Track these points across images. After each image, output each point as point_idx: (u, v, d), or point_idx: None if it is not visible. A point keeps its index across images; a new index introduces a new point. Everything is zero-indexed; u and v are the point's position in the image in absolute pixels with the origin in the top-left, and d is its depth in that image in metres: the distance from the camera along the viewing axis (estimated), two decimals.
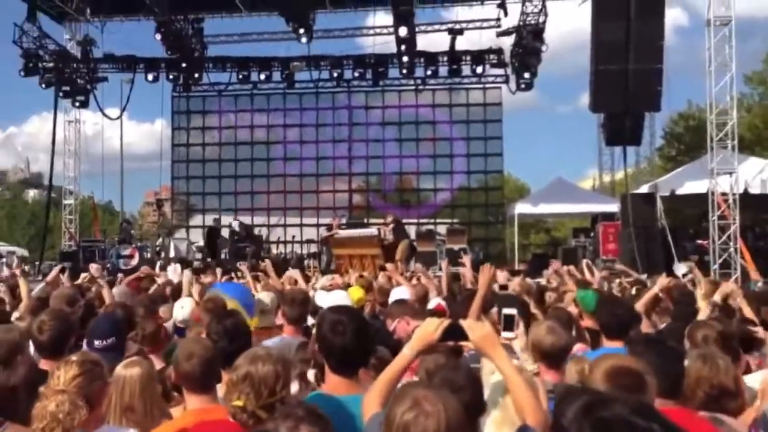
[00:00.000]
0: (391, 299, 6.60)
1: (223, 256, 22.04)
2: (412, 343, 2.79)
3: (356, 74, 26.04)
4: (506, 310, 3.91)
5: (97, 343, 4.24)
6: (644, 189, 19.59)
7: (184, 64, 25.26)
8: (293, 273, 9.63)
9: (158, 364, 4.41)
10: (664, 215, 18.42)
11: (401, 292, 6.76)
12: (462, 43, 25.00)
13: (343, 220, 21.87)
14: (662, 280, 6.83)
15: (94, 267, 8.20)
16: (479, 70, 25.27)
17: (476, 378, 2.76)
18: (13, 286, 7.75)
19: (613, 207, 20.80)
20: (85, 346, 4.32)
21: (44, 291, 7.07)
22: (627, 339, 4.33)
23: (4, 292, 7.32)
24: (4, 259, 22.42)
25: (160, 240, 25.66)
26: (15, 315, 5.99)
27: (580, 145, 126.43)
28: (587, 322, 5.65)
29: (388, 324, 5.63)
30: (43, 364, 3.97)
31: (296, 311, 5.17)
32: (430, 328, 2.76)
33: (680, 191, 18.82)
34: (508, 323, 3.80)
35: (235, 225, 21.95)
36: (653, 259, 16.90)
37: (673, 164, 31.56)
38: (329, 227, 20.32)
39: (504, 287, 7.43)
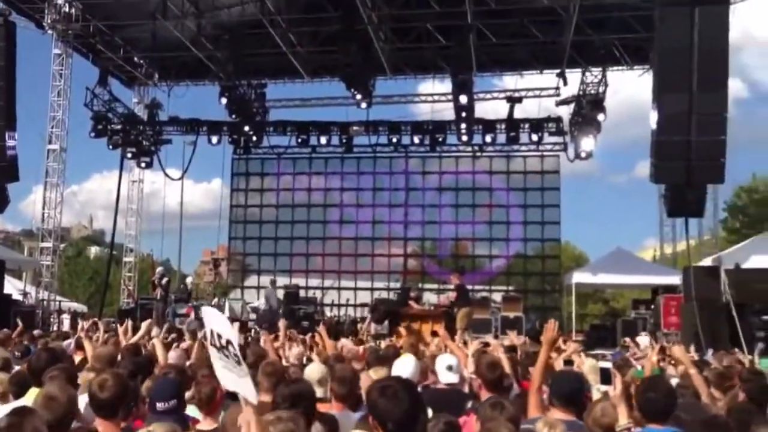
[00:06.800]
0: (437, 366, 6.33)
1: None
2: None
3: (414, 140, 26.19)
4: (602, 364, 4.65)
5: (159, 405, 4.33)
6: (707, 261, 19.03)
7: (246, 128, 25.81)
8: (345, 343, 9.70)
9: (211, 425, 4.48)
10: (728, 289, 17.79)
11: (447, 359, 6.41)
12: (520, 111, 25.12)
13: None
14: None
15: (147, 323, 8.15)
16: (537, 137, 25.25)
17: None
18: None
19: (675, 279, 20.21)
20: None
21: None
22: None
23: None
24: (64, 315, 22.81)
25: (216, 300, 25.77)
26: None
27: (639, 215, 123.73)
28: None
29: None
30: (97, 424, 3.94)
31: (345, 389, 5.05)
32: None
33: (746, 265, 18.20)
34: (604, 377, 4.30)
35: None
36: (717, 335, 16.27)
37: (737, 237, 30.70)
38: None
39: (569, 362, 7.08)
